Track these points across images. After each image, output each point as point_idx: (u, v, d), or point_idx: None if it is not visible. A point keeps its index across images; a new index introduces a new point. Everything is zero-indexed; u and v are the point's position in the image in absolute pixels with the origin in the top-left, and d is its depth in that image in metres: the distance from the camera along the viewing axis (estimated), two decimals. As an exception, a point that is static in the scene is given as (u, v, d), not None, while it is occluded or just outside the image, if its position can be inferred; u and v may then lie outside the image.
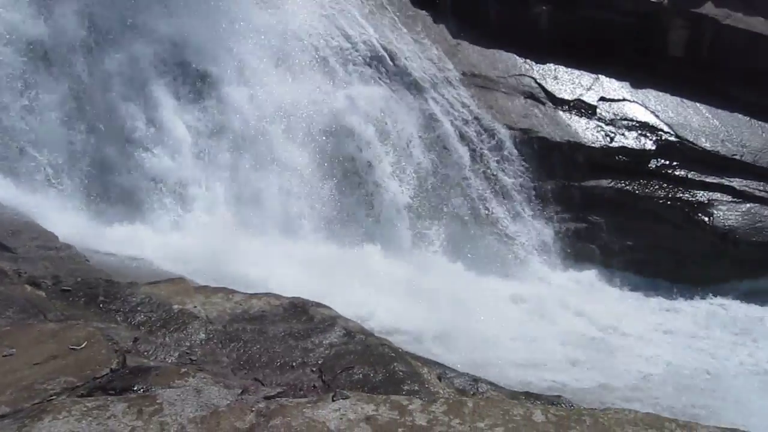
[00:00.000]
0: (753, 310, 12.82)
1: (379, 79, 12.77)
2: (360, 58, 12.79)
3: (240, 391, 3.42)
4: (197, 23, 11.47)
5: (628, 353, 10.90)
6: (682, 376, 10.43)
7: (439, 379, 5.53)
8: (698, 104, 15.00)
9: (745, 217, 13.69)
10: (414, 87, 13.02)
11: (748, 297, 13.03)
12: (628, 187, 13.69)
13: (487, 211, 12.96)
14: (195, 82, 11.30)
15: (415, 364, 5.36)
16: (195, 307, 5.36)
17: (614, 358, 10.60)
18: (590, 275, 13.29)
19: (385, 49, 13.04)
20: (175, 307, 5.27)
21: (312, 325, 5.48)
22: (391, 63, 12.97)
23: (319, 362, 4.94)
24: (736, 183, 14.11)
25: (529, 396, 5.76)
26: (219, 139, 11.22)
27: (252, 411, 3.15)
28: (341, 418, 3.07)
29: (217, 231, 10.16)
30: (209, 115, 11.24)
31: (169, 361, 4.53)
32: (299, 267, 10.06)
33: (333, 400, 3.21)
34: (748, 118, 14.99)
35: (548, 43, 14.88)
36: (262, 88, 11.74)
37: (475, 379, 6.13)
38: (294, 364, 4.87)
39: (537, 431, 3.12)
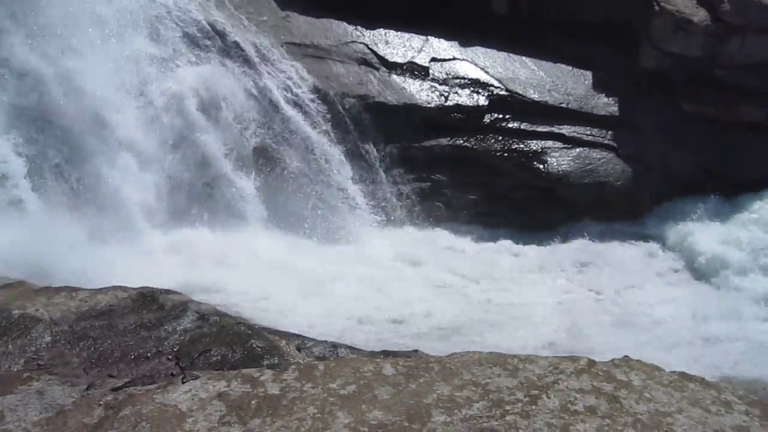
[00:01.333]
0: (595, 246, 13.60)
1: (209, 56, 12.48)
2: (188, 36, 12.43)
3: (86, 386, 3.35)
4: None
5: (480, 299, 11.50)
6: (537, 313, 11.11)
7: (299, 349, 5.62)
8: (524, 58, 15.56)
9: (576, 161, 14.45)
10: (245, 62, 12.77)
11: (586, 236, 13.80)
12: (465, 143, 14.08)
13: (329, 180, 12.99)
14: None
15: (273, 338, 5.41)
16: (37, 309, 5.15)
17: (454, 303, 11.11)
18: (438, 231, 13.63)
19: (212, 26, 12.71)
20: (15, 312, 5.05)
21: (163, 313, 5.42)
22: (219, 40, 12.66)
23: (175, 349, 4.90)
24: (566, 130, 14.79)
25: (387, 354, 5.96)
26: (45, 127, 10.54)
27: (99, 405, 3.09)
28: (193, 399, 3.06)
29: (48, 225, 9.65)
30: (32, 98, 10.51)
31: (15, 369, 4.36)
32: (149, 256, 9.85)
33: (183, 383, 3.19)
34: (571, 68, 15.71)
35: (376, 8, 14.93)
36: (87, 65, 11.12)
37: (334, 345, 6.29)
38: (149, 354, 4.81)
39: (388, 384, 3.23)
